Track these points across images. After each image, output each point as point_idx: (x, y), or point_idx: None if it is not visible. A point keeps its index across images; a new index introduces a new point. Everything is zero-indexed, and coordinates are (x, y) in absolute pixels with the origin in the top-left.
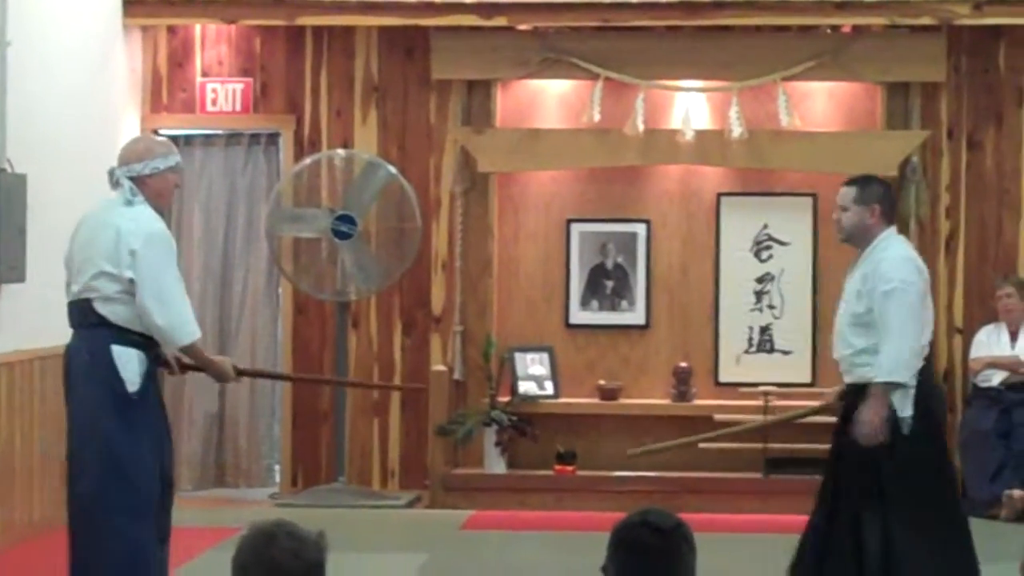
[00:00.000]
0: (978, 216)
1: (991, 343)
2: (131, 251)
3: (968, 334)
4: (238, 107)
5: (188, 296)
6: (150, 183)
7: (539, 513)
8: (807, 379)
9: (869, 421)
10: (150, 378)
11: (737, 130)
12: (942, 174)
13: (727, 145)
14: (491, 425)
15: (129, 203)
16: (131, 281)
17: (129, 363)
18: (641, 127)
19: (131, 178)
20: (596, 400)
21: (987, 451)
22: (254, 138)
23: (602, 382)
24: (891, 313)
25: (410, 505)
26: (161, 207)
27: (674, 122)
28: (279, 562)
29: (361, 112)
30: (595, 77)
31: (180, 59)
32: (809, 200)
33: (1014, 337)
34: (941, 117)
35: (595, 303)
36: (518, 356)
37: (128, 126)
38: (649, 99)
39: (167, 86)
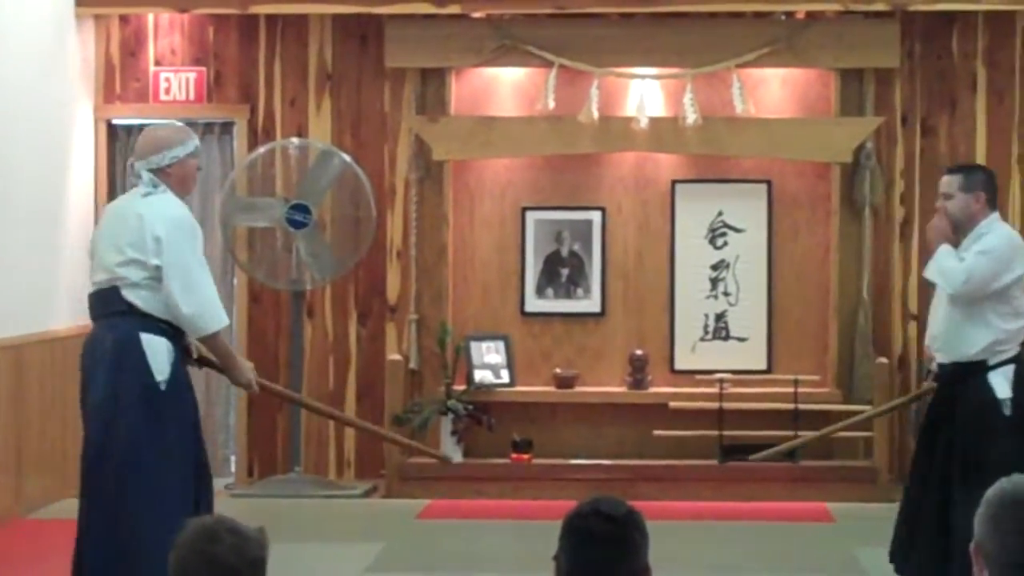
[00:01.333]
0: (932, 202)
1: None
2: (155, 238)
3: (923, 320)
4: (191, 96)
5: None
6: (171, 172)
7: (495, 501)
8: (763, 366)
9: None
10: (178, 368)
11: (691, 117)
12: (896, 160)
13: (681, 132)
14: (447, 414)
15: (148, 194)
16: (158, 268)
17: (158, 352)
18: (596, 114)
19: (151, 170)
20: (552, 388)
21: None
22: (208, 127)
23: (558, 370)
24: (978, 263)
25: (366, 495)
26: (184, 193)
27: (629, 109)
28: (221, 559)
29: (315, 101)
30: (549, 64)
31: (133, 48)
32: (764, 187)
33: None
34: (895, 103)
35: (550, 291)
36: (474, 344)
37: (81, 116)
38: (603, 86)
39: (120, 75)
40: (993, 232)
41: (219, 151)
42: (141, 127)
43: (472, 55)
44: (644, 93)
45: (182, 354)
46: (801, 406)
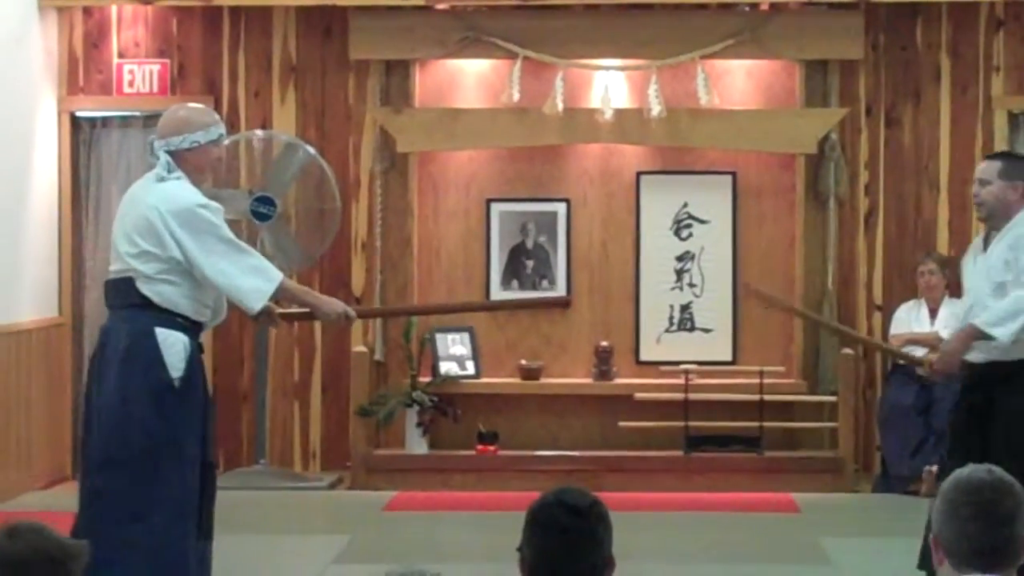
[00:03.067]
0: (897, 193)
1: (911, 319)
2: (172, 232)
3: (887, 311)
4: (155, 88)
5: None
6: (189, 157)
7: (461, 493)
8: (728, 357)
9: (949, 351)
10: (194, 365)
11: (656, 109)
12: (861, 151)
13: (646, 124)
14: (412, 406)
15: (162, 179)
16: (176, 260)
17: (173, 347)
18: (560, 106)
19: (170, 152)
20: (517, 380)
21: (907, 427)
22: None
23: (523, 362)
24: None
25: (332, 487)
26: (200, 182)
27: (593, 101)
28: (9, 552)
29: (279, 93)
30: (514, 56)
31: (96, 40)
32: (728, 178)
33: (934, 314)
34: (859, 94)
35: (516, 282)
36: (439, 336)
37: (45, 108)
38: (568, 78)
39: (84, 68)
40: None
41: None
42: (105, 119)
43: (436, 47)
44: (609, 85)
45: (198, 350)
46: (766, 397)
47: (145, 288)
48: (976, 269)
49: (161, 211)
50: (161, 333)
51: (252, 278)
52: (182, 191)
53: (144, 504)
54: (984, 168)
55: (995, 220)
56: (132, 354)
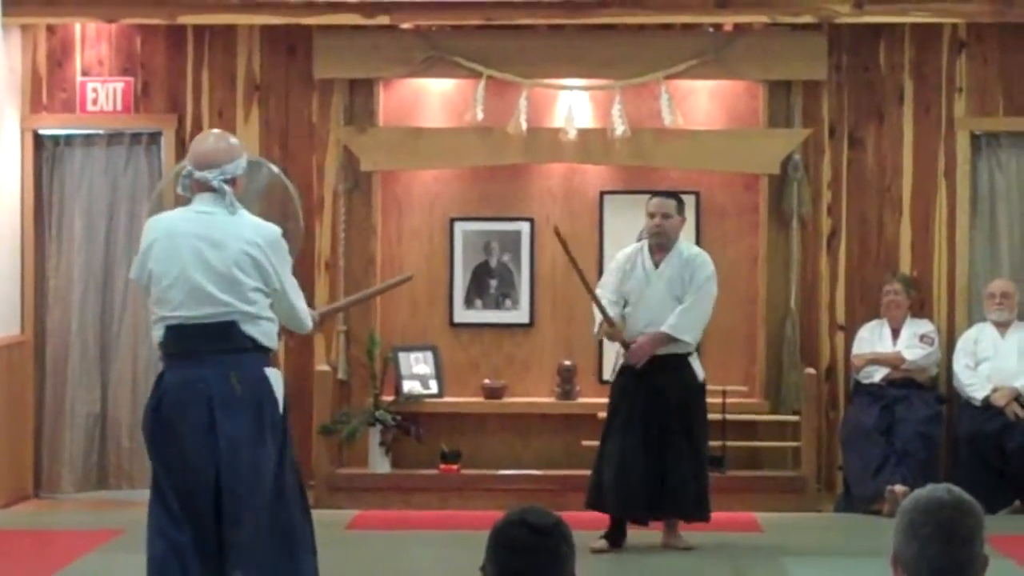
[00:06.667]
0: (859, 213)
1: (873, 339)
2: (272, 263)
3: (850, 331)
4: (119, 107)
5: (71, 298)
6: (238, 183)
7: (424, 512)
8: None
9: (643, 349)
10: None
11: (620, 129)
12: (824, 172)
13: (610, 143)
14: (375, 425)
15: (234, 211)
16: (275, 291)
17: (278, 384)
18: (524, 126)
19: (226, 181)
20: (481, 399)
21: (870, 447)
22: (135, 138)
23: (486, 381)
24: (706, 294)
25: None
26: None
27: (557, 120)
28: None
29: (243, 111)
30: (478, 76)
31: (60, 58)
32: (692, 198)
33: (896, 334)
34: (823, 115)
35: (479, 302)
36: (402, 355)
37: (8, 126)
38: (532, 98)
39: (47, 86)
40: (695, 251)
41: (147, 162)
42: (68, 138)
43: (400, 66)
44: (572, 104)
45: None
46: (729, 416)
47: (251, 329)
48: (649, 280)
49: (261, 245)
50: (269, 373)
51: (303, 301)
52: (263, 221)
53: (307, 533)
54: (666, 204)
55: (670, 245)
56: (259, 400)
